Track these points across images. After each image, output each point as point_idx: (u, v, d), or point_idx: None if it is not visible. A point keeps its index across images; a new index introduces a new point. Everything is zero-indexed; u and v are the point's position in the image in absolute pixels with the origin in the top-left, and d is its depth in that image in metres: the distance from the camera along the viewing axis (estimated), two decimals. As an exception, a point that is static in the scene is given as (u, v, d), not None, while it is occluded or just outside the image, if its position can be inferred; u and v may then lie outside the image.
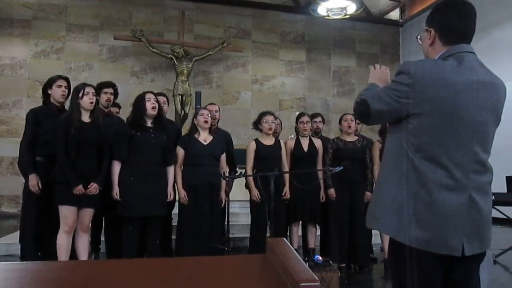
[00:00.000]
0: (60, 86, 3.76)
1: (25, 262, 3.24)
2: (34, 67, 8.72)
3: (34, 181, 3.59)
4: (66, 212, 3.35)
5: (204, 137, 4.12)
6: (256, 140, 4.42)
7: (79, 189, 3.31)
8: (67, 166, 3.34)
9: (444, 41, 1.55)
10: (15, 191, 7.46)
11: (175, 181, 4.00)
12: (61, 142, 3.35)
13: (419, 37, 1.68)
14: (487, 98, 1.49)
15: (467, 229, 1.45)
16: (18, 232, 4.19)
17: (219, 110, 4.73)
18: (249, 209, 4.40)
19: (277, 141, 4.46)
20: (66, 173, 3.33)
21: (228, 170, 4.43)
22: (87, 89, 3.46)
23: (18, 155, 4.15)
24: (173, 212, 4.29)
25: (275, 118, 4.54)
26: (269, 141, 4.40)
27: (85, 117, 3.47)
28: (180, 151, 4.07)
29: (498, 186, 5.56)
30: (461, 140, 1.46)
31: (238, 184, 4.61)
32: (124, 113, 4.86)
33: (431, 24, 1.58)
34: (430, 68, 1.49)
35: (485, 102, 1.48)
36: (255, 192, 4.21)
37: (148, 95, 3.80)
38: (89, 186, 3.40)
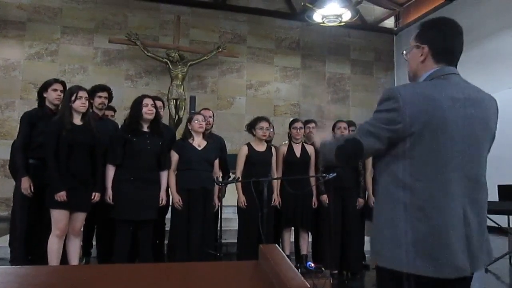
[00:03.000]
0: (55, 90, 3.74)
1: (14, 266, 3.20)
2: (28, 69, 8.67)
3: (26, 184, 3.56)
4: (58, 216, 3.32)
5: (198, 142, 4.11)
6: (248, 145, 4.41)
7: (61, 195, 3.27)
8: (53, 171, 3.31)
9: (437, 59, 1.54)
10: (6, 194, 7.39)
11: (168, 186, 3.99)
12: (51, 145, 3.33)
13: (405, 52, 1.66)
14: (475, 114, 1.49)
15: (468, 247, 1.44)
16: (8, 235, 4.15)
17: (213, 115, 4.73)
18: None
19: (268, 148, 4.46)
20: (52, 177, 3.30)
21: (221, 175, 4.42)
22: (80, 93, 3.43)
23: (9, 157, 4.12)
24: (166, 217, 4.27)
25: (270, 124, 4.54)
26: (261, 146, 4.40)
27: (77, 120, 3.45)
28: (174, 156, 4.06)
29: (490, 194, 5.61)
30: (454, 156, 1.44)
31: (232, 190, 4.60)
32: (119, 117, 4.85)
33: (424, 41, 1.56)
34: (415, 89, 1.49)
35: (473, 118, 1.48)
36: (242, 198, 4.21)
37: (145, 100, 3.78)
38: (92, 198, 3.46)
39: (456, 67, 1.57)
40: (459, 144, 1.45)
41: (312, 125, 4.95)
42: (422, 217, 1.41)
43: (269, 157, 4.40)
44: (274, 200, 4.31)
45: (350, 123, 4.75)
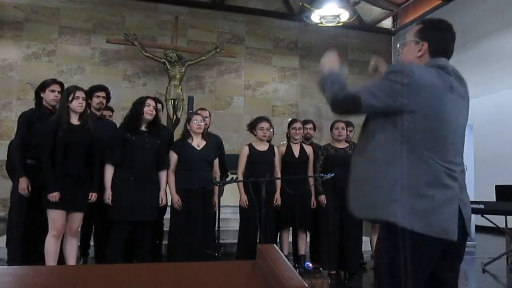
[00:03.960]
0: (53, 91, 3.74)
1: (11, 266, 3.20)
2: (25, 70, 8.64)
3: (24, 184, 3.55)
4: (55, 216, 3.31)
5: (197, 142, 4.12)
6: (250, 145, 4.43)
7: (54, 195, 3.26)
8: (48, 171, 3.30)
9: (433, 56, 1.66)
10: (3, 194, 7.37)
11: (168, 186, 3.99)
12: (47, 145, 3.32)
13: (399, 45, 1.76)
14: (464, 106, 1.66)
15: (460, 219, 1.56)
16: (5, 235, 4.13)
17: (210, 115, 4.74)
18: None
19: (270, 147, 4.47)
20: (47, 177, 3.30)
21: (219, 174, 4.43)
22: (78, 94, 3.43)
23: (6, 158, 4.10)
24: (164, 217, 4.26)
25: (270, 124, 4.55)
26: (262, 146, 4.42)
27: (74, 120, 3.44)
28: (173, 156, 4.06)
29: (488, 195, 5.64)
30: (451, 140, 1.58)
31: (230, 190, 4.61)
32: (117, 117, 4.84)
33: (423, 38, 1.66)
34: (424, 72, 1.58)
35: (463, 109, 1.65)
36: (244, 197, 4.22)
37: (148, 101, 3.81)
38: (89, 198, 3.44)
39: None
40: (454, 130, 1.59)
41: (310, 125, 4.97)
42: (424, 188, 1.52)
43: (271, 157, 4.41)
44: (276, 200, 4.31)
45: (348, 123, 4.77)
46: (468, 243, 6.05)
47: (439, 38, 1.66)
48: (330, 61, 1.81)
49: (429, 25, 1.69)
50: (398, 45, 1.77)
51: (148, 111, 3.75)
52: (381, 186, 1.56)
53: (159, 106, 4.28)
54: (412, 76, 1.53)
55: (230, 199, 4.87)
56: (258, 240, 3.69)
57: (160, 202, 3.83)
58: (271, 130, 4.66)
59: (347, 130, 4.56)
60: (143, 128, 3.78)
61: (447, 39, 1.68)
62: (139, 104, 3.78)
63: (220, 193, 4.20)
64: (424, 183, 1.52)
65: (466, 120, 1.69)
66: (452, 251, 1.60)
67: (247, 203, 4.19)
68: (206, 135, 4.34)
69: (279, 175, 4.41)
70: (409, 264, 1.49)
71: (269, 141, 4.64)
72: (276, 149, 4.50)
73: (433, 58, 1.65)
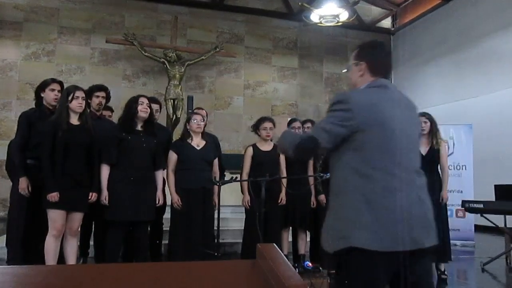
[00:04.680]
0: (53, 90, 3.74)
1: (11, 266, 3.20)
2: (24, 70, 8.64)
3: (24, 184, 3.55)
4: (55, 216, 3.31)
5: (197, 142, 4.12)
6: (254, 146, 4.43)
7: (53, 196, 3.25)
8: (47, 171, 3.30)
9: (372, 73, 1.83)
10: (3, 194, 7.36)
11: (168, 186, 3.99)
12: (47, 145, 3.32)
13: (346, 71, 1.95)
14: (411, 116, 1.82)
15: (423, 223, 1.66)
16: (5, 235, 4.13)
17: (207, 115, 4.74)
18: (240, 214, 4.40)
19: (274, 147, 4.47)
20: (46, 177, 3.29)
21: (219, 174, 4.43)
22: (77, 93, 3.43)
23: (6, 158, 4.10)
24: (164, 217, 4.26)
25: (274, 124, 4.55)
26: (266, 146, 4.42)
27: (74, 120, 3.44)
28: (173, 156, 4.06)
29: (487, 194, 5.64)
30: (401, 148, 1.68)
31: (229, 189, 4.61)
32: (116, 117, 4.83)
33: (361, 58, 1.85)
34: (362, 94, 1.78)
35: (410, 118, 1.81)
36: (246, 198, 4.23)
37: (141, 99, 3.78)
38: (89, 198, 3.44)
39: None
40: (402, 138, 1.70)
41: (308, 125, 4.97)
42: (383, 200, 1.61)
43: (276, 156, 4.40)
44: (281, 199, 4.31)
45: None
46: (467, 242, 6.03)
47: (374, 56, 1.85)
48: (280, 128, 2.03)
49: (365, 47, 1.90)
50: (345, 71, 1.98)
51: (142, 109, 3.73)
52: (344, 216, 1.67)
53: (157, 106, 4.27)
54: (351, 100, 1.70)
55: (230, 199, 4.87)
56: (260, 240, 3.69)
57: (157, 202, 3.81)
58: (275, 129, 4.66)
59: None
60: (139, 127, 3.77)
61: (382, 55, 1.91)
62: (132, 103, 3.77)
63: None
64: (379, 197, 1.62)
65: (417, 128, 1.88)
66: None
67: (249, 204, 4.19)
68: (204, 134, 4.35)
69: (284, 174, 4.41)
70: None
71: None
72: None
73: (373, 78, 1.81)
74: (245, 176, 4.30)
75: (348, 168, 1.69)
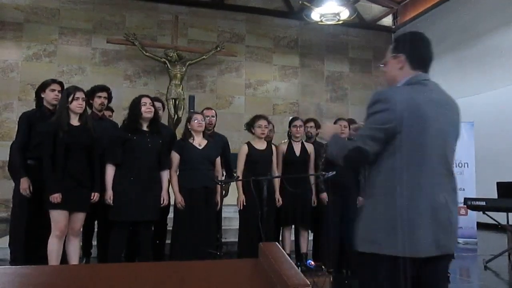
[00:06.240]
0: (53, 90, 3.74)
1: (14, 266, 3.20)
2: (25, 70, 8.66)
3: (25, 184, 3.56)
4: (57, 217, 3.32)
5: (199, 142, 4.11)
6: (248, 144, 4.41)
7: (55, 197, 3.26)
8: (49, 172, 3.30)
9: (412, 66, 1.76)
10: (5, 195, 7.38)
11: (171, 186, 3.98)
12: (47, 146, 3.32)
13: (382, 66, 1.88)
14: (449, 114, 1.73)
15: (448, 228, 1.64)
16: (8, 236, 4.14)
17: (216, 115, 4.73)
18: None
19: (269, 146, 4.46)
20: (48, 179, 3.29)
21: (224, 174, 4.42)
22: (78, 94, 3.42)
23: (8, 158, 4.10)
24: (168, 217, 4.26)
25: (268, 122, 4.54)
26: (261, 145, 4.40)
27: (74, 121, 3.44)
28: (175, 156, 4.05)
29: (489, 192, 5.63)
30: (437, 151, 1.65)
31: (231, 189, 4.60)
32: (117, 117, 4.84)
33: (399, 51, 1.79)
34: (401, 92, 1.71)
35: (447, 117, 1.72)
36: (241, 197, 4.20)
37: (144, 99, 3.77)
38: (92, 198, 3.44)
39: (428, 73, 1.79)
40: (438, 137, 1.65)
41: (311, 124, 4.95)
42: (411, 205, 1.59)
43: (269, 155, 4.39)
44: (278, 200, 4.31)
45: (351, 121, 4.74)
46: (470, 240, 6.02)
47: (414, 48, 1.78)
48: (328, 130, 1.94)
49: (402, 39, 1.83)
50: (381, 66, 1.87)
51: (146, 110, 3.72)
52: (374, 219, 1.65)
53: (160, 105, 4.26)
54: (389, 99, 1.65)
55: (232, 198, 4.87)
56: (260, 239, 3.69)
57: (161, 202, 3.82)
58: (270, 127, 4.65)
59: (349, 129, 4.53)
60: (144, 128, 3.76)
61: (421, 46, 1.80)
62: (135, 104, 3.76)
63: (226, 193, 4.18)
64: (410, 201, 1.59)
65: (455, 127, 1.76)
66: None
67: (245, 203, 4.17)
68: (210, 134, 4.34)
69: (276, 174, 4.39)
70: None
71: (269, 140, 4.64)
72: (274, 148, 4.49)
73: (413, 71, 1.75)
74: (239, 174, 4.28)
75: (383, 171, 1.66)
